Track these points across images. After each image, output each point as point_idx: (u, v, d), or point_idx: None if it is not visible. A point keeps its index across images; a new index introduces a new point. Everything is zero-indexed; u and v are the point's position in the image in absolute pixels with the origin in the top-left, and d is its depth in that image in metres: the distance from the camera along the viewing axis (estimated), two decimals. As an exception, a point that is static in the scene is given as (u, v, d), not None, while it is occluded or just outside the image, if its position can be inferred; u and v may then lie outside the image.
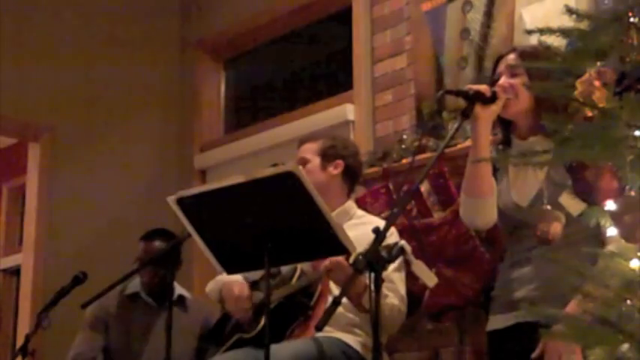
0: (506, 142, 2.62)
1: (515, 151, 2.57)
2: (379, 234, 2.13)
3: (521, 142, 2.56)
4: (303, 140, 3.31)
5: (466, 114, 2.46)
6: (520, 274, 2.51)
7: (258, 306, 3.06)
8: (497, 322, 2.56)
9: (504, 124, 2.63)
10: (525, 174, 2.52)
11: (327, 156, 3.18)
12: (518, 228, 2.53)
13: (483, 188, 2.50)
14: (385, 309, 2.84)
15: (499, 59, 2.63)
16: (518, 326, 2.43)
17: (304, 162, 3.17)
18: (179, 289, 3.85)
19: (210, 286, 3.27)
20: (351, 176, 3.24)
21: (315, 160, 3.17)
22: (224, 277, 3.11)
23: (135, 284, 3.83)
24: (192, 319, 3.78)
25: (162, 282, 3.71)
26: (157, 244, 3.77)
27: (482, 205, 2.51)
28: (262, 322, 2.98)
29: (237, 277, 3.12)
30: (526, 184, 2.51)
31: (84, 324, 3.82)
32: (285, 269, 3.10)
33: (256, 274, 3.11)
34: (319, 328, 2.13)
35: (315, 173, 3.13)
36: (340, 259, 2.76)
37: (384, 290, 2.81)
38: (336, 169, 3.18)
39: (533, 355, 2.36)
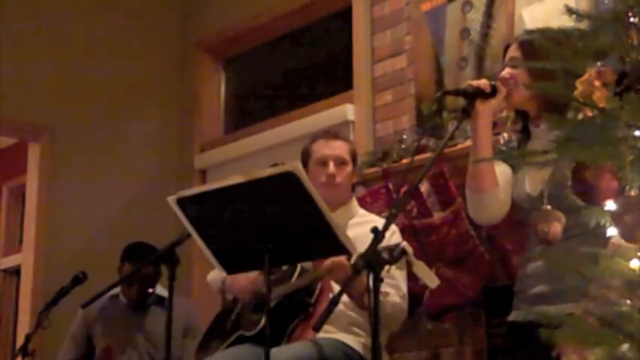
0: (525, 131, 2.61)
1: (532, 138, 2.56)
2: (378, 234, 2.13)
3: (536, 129, 2.55)
4: (333, 135, 3.27)
5: (467, 112, 2.46)
6: (533, 269, 2.50)
7: (258, 304, 3.06)
8: (518, 316, 2.55)
9: (522, 114, 2.61)
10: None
11: (354, 162, 3.24)
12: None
13: (485, 183, 2.50)
14: (387, 307, 2.86)
15: (506, 50, 2.62)
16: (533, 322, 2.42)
17: (344, 162, 3.17)
18: (159, 290, 3.95)
19: (212, 275, 3.27)
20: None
21: (351, 164, 3.21)
22: None
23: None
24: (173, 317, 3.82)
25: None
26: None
27: (485, 200, 2.51)
28: (263, 321, 2.98)
29: None
30: (538, 172, 2.50)
31: (68, 333, 4.01)
32: (285, 266, 3.10)
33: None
34: (317, 329, 2.13)
35: (351, 177, 3.20)
36: (341, 258, 2.76)
37: (386, 288, 2.83)
38: (354, 176, 3.26)
39: (553, 353, 2.34)
